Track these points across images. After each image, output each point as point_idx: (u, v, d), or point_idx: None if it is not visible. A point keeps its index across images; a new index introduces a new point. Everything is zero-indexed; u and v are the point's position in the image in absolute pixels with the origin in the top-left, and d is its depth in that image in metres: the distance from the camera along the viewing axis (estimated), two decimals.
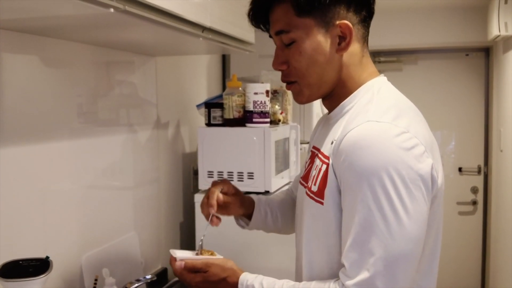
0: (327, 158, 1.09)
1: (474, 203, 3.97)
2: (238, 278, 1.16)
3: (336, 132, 1.10)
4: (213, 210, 1.30)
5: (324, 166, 1.09)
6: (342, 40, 1.09)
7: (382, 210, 0.95)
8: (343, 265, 1.02)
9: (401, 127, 0.99)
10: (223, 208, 1.35)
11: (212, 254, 1.28)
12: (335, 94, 1.16)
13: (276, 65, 1.16)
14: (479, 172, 3.95)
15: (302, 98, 1.18)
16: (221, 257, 1.25)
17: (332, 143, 1.09)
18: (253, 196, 1.45)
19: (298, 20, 1.09)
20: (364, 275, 0.96)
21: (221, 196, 1.33)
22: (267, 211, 1.43)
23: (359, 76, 1.14)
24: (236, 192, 1.39)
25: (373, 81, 1.14)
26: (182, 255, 1.23)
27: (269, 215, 1.43)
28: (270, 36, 1.18)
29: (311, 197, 1.12)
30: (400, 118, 1.02)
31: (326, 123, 1.22)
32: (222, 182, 1.38)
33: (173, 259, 1.22)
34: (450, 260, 3.94)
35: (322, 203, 1.08)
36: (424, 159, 0.99)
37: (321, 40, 1.09)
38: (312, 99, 1.18)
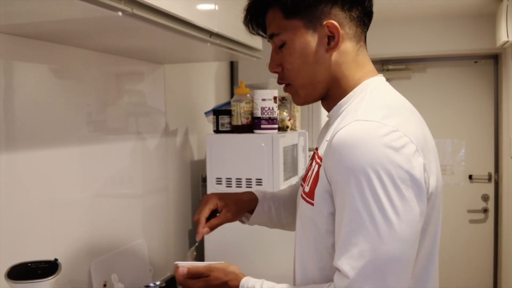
0: (320, 159, 1.07)
1: (485, 211, 3.93)
2: (239, 281, 1.15)
3: (330, 133, 1.09)
4: (204, 232, 1.31)
5: (317, 167, 1.08)
6: (331, 40, 1.09)
7: (370, 211, 0.92)
8: (336, 269, 0.99)
9: (389, 125, 0.96)
10: (220, 224, 1.35)
11: None
12: (332, 95, 1.15)
13: (271, 67, 1.17)
14: (489, 179, 3.92)
15: (299, 99, 1.18)
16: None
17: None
18: (258, 191, 1.42)
19: (286, 22, 1.11)
20: (353, 279, 0.93)
21: (205, 229, 1.32)
22: (271, 207, 1.41)
23: (354, 75, 1.12)
24: (225, 204, 1.36)
25: (369, 80, 1.12)
26: (185, 263, 1.22)
27: (273, 210, 1.40)
28: (269, 41, 1.19)
29: (303, 198, 1.11)
30: (390, 117, 0.99)
31: (326, 125, 1.22)
32: (206, 203, 1.36)
33: (176, 268, 1.22)
34: (461, 269, 3.89)
35: (312, 204, 1.07)
36: (416, 158, 0.96)
37: (310, 40, 1.10)
38: (310, 100, 1.17)
